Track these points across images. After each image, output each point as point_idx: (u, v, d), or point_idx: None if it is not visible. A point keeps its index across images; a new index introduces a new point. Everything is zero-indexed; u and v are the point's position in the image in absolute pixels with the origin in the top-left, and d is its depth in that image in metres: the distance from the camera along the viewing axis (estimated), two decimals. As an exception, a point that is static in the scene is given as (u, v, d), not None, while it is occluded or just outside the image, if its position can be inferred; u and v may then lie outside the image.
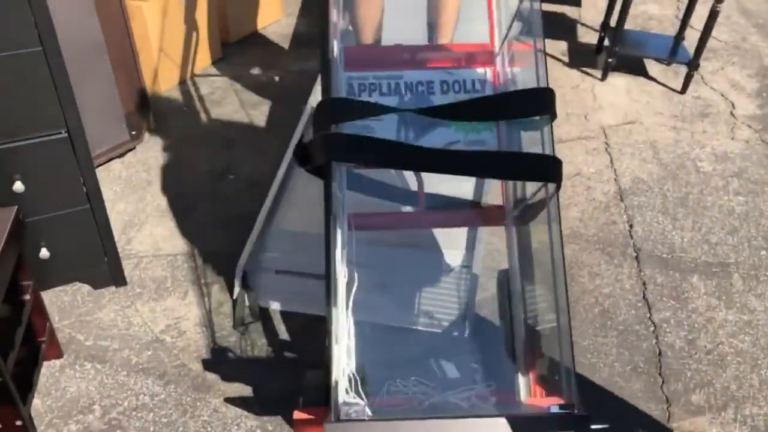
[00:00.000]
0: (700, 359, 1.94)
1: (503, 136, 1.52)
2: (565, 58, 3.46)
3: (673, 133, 2.92)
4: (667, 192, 2.58)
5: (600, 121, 2.99)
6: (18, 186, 1.72)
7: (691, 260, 2.27)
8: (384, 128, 1.48)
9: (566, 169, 2.28)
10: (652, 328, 2.03)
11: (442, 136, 1.50)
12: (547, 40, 3.08)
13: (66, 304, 2.03)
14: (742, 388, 1.86)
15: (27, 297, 1.69)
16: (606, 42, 3.39)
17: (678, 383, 1.88)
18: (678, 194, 2.56)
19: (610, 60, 3.24)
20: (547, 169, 1.35)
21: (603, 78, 3.31)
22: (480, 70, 1.64)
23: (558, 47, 3.54)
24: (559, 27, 3.72)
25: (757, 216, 2.46)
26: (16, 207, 1.63)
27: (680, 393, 1.85)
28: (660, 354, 1.96)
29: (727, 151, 2.81)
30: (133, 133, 2.62)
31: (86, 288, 2.08)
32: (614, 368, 1.91)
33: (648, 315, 2.07)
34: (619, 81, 3.30)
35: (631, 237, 2.36)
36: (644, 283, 2.18)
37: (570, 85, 3.25)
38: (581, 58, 3.44)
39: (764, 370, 1.92)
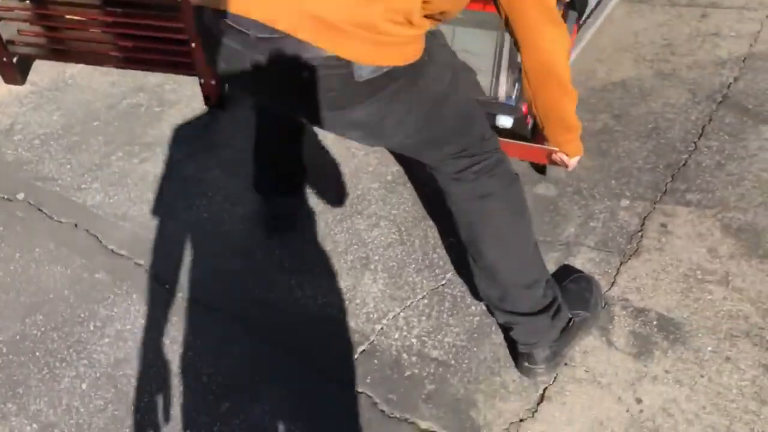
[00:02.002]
0: (717, 176, 2.26)
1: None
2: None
3: None
4: (800, 63, 2.69)
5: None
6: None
7: (775, 114, 2.47)
8: None
9: (704, 29, 2.64)
10: (691, 148, 2.37)
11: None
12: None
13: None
14: (739, 201, 2.17)
15: None
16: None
17: (683, 184, 2.24)
18: (811, 67, 2.66)
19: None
20: None
21: None
22: None
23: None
24: None
25: None
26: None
27: (680, 190, 2.23)
28: (684, 165, 2.31)
29: None
30: None
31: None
32: (636, 162, 2.33)
33: (696, 140, 2.40)
34: None
35: (728, 88, 2.60)
36: (710, 120, 2.47)
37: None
38: None
39: (764, 198, 2.17)
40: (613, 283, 1.97)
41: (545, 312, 1.66)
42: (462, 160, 1.52)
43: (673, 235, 2.09)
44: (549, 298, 1.67)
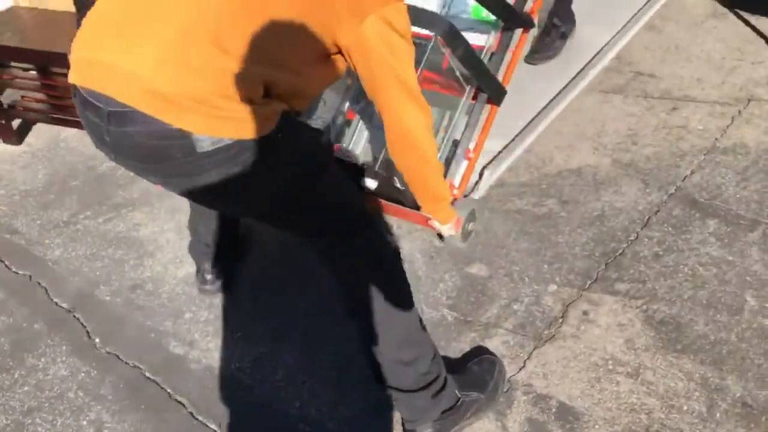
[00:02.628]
0: (652, 267, 2.23)
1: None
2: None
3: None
4: (763, 161, 2.67)
5: (754, 93, 3.02)
6: None
7: (725, 210, 2.44)
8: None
9: (672, 121, 2.68)
10: (632, 238, 2.36)
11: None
12: (766, 19, 3.28)
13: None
14: (668, 293, 2.13)
15: None
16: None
17: (615, 273, 2.23)
18: (774, 164, 2.63)
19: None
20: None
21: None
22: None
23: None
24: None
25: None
26: None
27: (610, 279, 2.21)
28: (621, 254, 2.31)
29: None
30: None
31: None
32: (573, 249, 2.34)
33: (639, 229, 2.39)
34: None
35: (683, 180, 2.60)
36: (657, 210, 2.46)
37: (753, 60, 3.29)
38: None
39: (700, 292, 2.13)
40: (521, 368, 1.96)
41: (425, 390, 1.66)
42: (327, 238, 1.58)
43: (593, 324, 2.07)
44: (432, 376, 1.68)
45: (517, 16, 2.29)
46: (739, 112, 2.95)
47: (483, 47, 2.32)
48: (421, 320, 1.72)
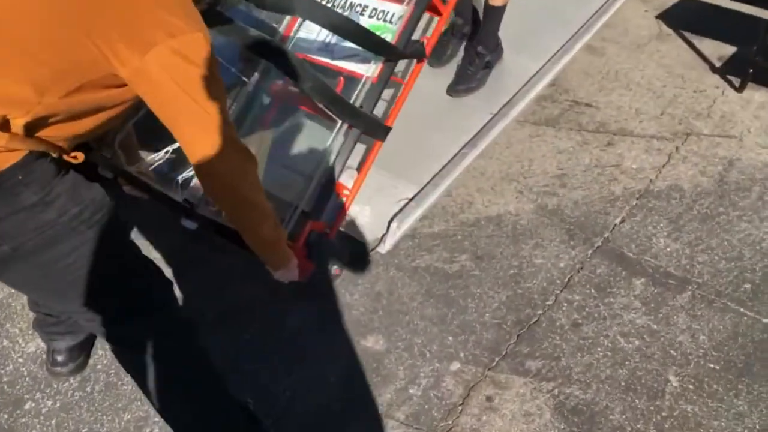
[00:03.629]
0: (568, 340, 2.00)
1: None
2: (717, 62, 3.24)
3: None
4: (697, 207, 2.45)
5: (693, 126, 2.83)
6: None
7: (654, 266, 2.21)
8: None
9: (605, 159, 2.43)
10: (550, 302, 2.12)
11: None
12: (712, 42, 3.05)
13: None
14: (584, 373, 1.90)
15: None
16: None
17: (527, 347, 1.99)
18: (708, 212, 2.41)
19: (751, 70, 2.98)
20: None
21: (739, 89, 3.06)
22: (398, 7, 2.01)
23: (719, 51, 3.30)
24: (738, 29, 3.41)
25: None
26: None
27: (521, 354, 1.97)
28: (535, 322, 2.06)
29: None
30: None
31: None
32: (482, 316, 2.09)
33: (558, 291, 2.15)
34: (758, 96, 3.01)
35: (611, 231, 2.36)
36: (581, 268, 2.22)
37: (695, 88, 3.08)
38: (736, 66, 3.16)
39: (619, 371, 1.90)
40: (409, 471, 1.70)
41: None
42: (101, 317, 1.34)
43: (497, 413, 1.82)
44: None
45: (394, 50, 1.97)
46: (677, 148, 2.73)
47: (361, 76, 2.01)
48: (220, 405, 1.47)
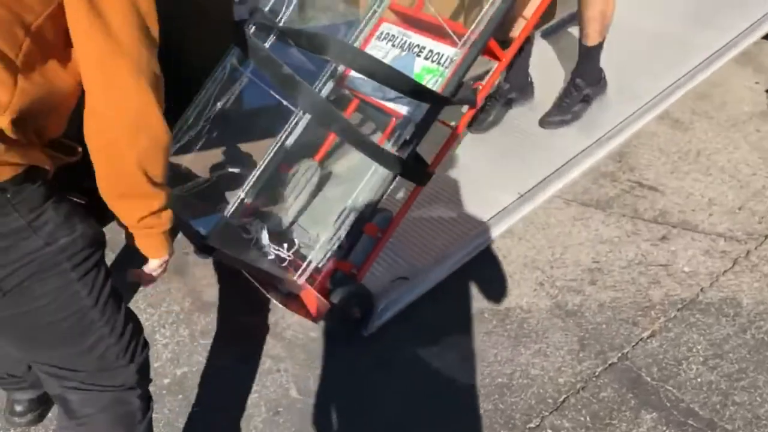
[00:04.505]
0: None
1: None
2: None
3: None
4: (753, 330, 2.03)
5: None
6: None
7: (674, 399, 1.84)
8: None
9: (653, 256, 2.24)
10: (531, 425, 1.81)
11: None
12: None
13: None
14: None
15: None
16: None
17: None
18: (765, 339, 1.99)
19: None
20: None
21: None
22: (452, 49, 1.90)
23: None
24: None
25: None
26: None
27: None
28: (507, 447, 1.77)
29: None
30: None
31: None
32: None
33: (546, 413, 1.84)
34: None
35: (634, 346, 2.01)
36: (583, 387, 1.90)
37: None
38: None
39: None
40: None
41: None
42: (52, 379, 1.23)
43: None
44: None
45: (434, 96, 1.81)
46: (747, 252, 2.29)
47: (403, 117, 1.91)
48: None
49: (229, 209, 1.85)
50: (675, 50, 2.95)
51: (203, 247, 1.74)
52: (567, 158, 2.53)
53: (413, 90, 1.78)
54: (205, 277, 2.26)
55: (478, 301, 2.18)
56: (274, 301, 1.98)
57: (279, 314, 2.12)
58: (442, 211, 2.38)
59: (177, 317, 2.13)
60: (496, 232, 2.31)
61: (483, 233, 2.28)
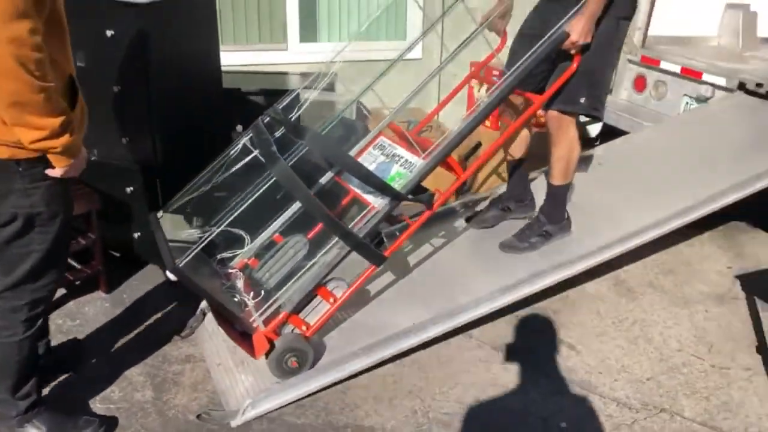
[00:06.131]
0: None
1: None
2: None
3: None
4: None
5: (677, 404, 2.29)
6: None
7: None
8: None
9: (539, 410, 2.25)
10: None
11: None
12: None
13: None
14: None
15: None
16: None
17: None
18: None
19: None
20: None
21: (772, 379, 2.45)
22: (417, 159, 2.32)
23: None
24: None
25: None
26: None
27: None
28: None
29: None
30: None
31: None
32: None
33: None
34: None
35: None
36: None
37: (716, 363, 2.53)
38: None
39: None
40: None
41: None
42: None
43: None
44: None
45: (394, 193, 2.19)
46: (633, 421, 2.24)
47: (373, 208, 2.26)
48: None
49: (200, 244, 2.15)
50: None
51: (174, 270, 2.04)
52: (479, 302, 2.55)
53: (378, 186, 2.19)
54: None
55: (349, 417, 2.23)
56: (226, 335, 2.23)
57: None
58: (354, 312, 2.50)
59: None
60: (374, 357, 2.36)
61: (366, 353, 2.36)
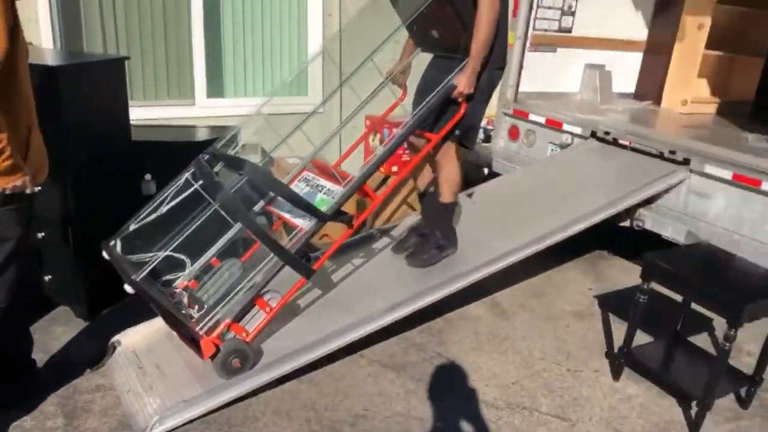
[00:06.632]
0: None
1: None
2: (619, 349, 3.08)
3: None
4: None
5: (535, 402, 2.66)
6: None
7: None
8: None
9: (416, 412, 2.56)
10: None
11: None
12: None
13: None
14: None
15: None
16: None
17: None
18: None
19: (621, 360, 2.84)
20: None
21: (615, 377, 2.89)
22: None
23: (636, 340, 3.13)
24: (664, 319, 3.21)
25: None
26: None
27: None
28: None
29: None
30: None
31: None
32: None
33: None
34: (631, 389, 2.82)
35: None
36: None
37: (571, 367, 2.94)
38: (633, 356, 2.94)
39: None
40: None
41: None
42: None
43: None
44: None
45: (318, 214, 2.57)
46: (498, 419, 2.58)
47: (300, 228, 2.63)
48: None
49: (153, 263, 2.49)
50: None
51: (131, 283, 2.37)
52: (361, 323, 2.87)
53: (307, 208, 2.58)
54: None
55: (247, 426, 2.47)
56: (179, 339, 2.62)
57: None
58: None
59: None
60: (270, 375, 2.62)
61: (265, 371, 2.63)
